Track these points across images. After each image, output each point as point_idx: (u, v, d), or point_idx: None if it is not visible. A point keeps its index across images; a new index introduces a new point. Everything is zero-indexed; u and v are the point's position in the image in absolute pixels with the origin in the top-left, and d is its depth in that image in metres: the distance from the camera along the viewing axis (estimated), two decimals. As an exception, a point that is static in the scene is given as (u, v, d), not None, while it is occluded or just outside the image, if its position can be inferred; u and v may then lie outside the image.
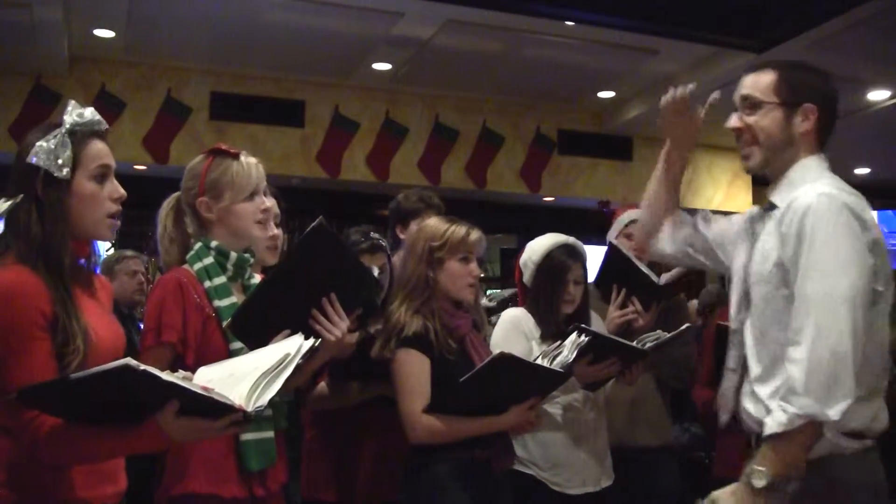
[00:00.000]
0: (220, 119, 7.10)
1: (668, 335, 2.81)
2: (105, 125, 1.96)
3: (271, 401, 2.17)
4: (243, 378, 1.71)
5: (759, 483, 1.86)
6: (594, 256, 3.34)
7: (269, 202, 2.42)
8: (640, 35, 6.07)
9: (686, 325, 2.85)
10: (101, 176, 1.92)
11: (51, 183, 1.86)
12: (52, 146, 1.86)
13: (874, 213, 2.05)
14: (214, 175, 2.26)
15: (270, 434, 2.16)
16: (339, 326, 2.17)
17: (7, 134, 6.46)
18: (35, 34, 5.82)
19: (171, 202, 2.35)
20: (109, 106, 6.57)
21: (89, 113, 1.94)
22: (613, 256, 3.29)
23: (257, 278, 2.36)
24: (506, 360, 2.37)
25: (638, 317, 3.26)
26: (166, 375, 1.58)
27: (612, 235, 3.46)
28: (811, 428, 1.86)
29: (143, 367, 1.52)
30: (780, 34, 5.69)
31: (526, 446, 2.92)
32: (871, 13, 5.25)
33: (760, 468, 1.87)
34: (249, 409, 1.65)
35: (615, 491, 3.04)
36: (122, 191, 1.95)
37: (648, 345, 2.77)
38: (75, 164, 1.88)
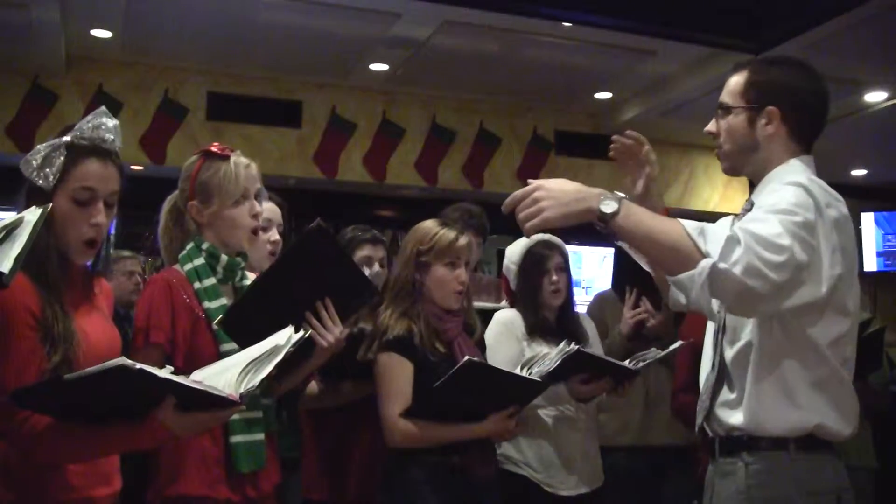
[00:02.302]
0: (216, 119, 7.08)
1: (662, 353, 2.82)
2: (111, 145, 1.89)
3: (262, 404, 2.19)
4: (231, 368, 1.74)
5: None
6: (592, 257, 3.38)
7: (267, 205, 2.40)
8: (637, 36, 6.06)
9: (679, 342, 2.86)
10: (82, 199, 1.85)
11: (35, 192, 1.84)
12: (44, 155, 1.84)
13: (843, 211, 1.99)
14: (204, 178, 2.24)
15: (261, 436, 2.16)
16: (332, 332, 2.17)
17: (4, 134, 6.46)
18: (32, 34, 5.81)
19: (171, 200, 2.34)
20: (106, 106, 6.54)
21: (104, 127, 1.88)
22: (621, 259, 3.33)
23: (251, 278, 2.35)
24: (474, 367, 2.37)
25: (650, 316, 3.30)
26: (161, 372, 1.59)
27: None
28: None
29: (138, 365, 1.52)
30: (777, 35, 5.69)
31: (520, 448, 2.93)
32: (868, 15, 5.25)
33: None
34: (240, 392, 1.66)
35: (629, 492, 3.06)
36: (100, 219, 1.88)
37: (641, 364, 2.78)
38: (61, 179, 1.83)
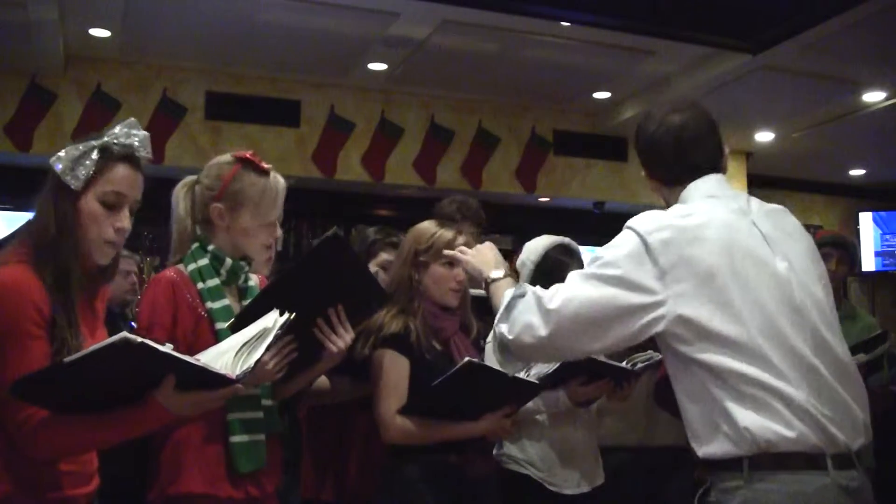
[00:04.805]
0: (215, 119, 7.07)
1: (660, 355, 2.81)
2: (144, 153, 1.96)
3: (263, 405, 2.20)
4: (226, 352, 1.82)
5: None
6: (590, 258, 3.37)
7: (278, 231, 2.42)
8: (635, 36, 6.07)
9: None
10: (110, 202, 1.91)
11: (63, 191, 1.86)
12: (77, 155, 1.87)
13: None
14: (239, 187, 2.23)
15: (261, 437, 2.16)
16: (343, 339, 2.19)
17: (3, 134, 6.46)
18: (30, 33, 5.80)
19: (188, 185, 2.34)
20: (105, 105, 6.55)
21: (136, 136, 1.94)
22: None
23: (254, 279, 2.36)
24: (474, 367, 2.38)
25: None
26: (162, 348, 1.62)
27: None
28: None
29: (140, 339, 1.56)
30: (775, 36, 5.70)
31: (523, 448, 2.93)
32: (868, 15, 5.26)
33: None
34: (236, 373, 1.74)
35: (631, 492, 3.06)
36: (125, 223, 1.93)
37: (640, 365, 2.78)
38: (91, 180, 1.87)
